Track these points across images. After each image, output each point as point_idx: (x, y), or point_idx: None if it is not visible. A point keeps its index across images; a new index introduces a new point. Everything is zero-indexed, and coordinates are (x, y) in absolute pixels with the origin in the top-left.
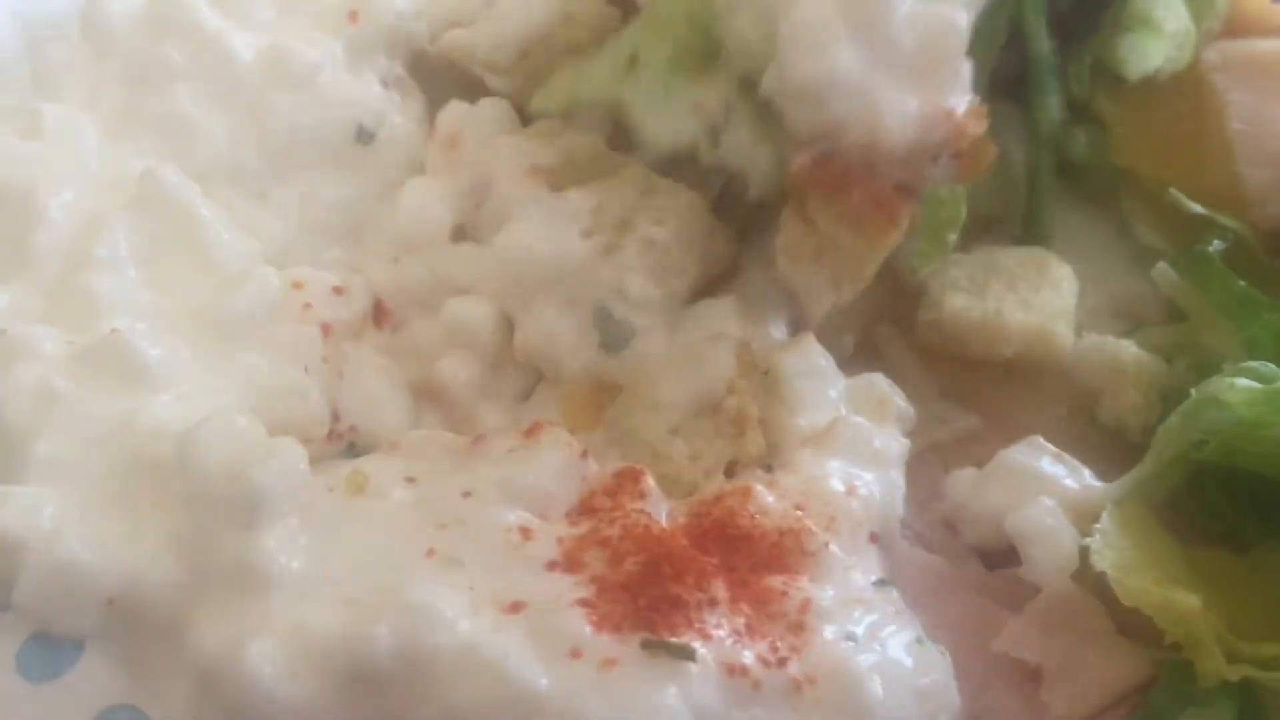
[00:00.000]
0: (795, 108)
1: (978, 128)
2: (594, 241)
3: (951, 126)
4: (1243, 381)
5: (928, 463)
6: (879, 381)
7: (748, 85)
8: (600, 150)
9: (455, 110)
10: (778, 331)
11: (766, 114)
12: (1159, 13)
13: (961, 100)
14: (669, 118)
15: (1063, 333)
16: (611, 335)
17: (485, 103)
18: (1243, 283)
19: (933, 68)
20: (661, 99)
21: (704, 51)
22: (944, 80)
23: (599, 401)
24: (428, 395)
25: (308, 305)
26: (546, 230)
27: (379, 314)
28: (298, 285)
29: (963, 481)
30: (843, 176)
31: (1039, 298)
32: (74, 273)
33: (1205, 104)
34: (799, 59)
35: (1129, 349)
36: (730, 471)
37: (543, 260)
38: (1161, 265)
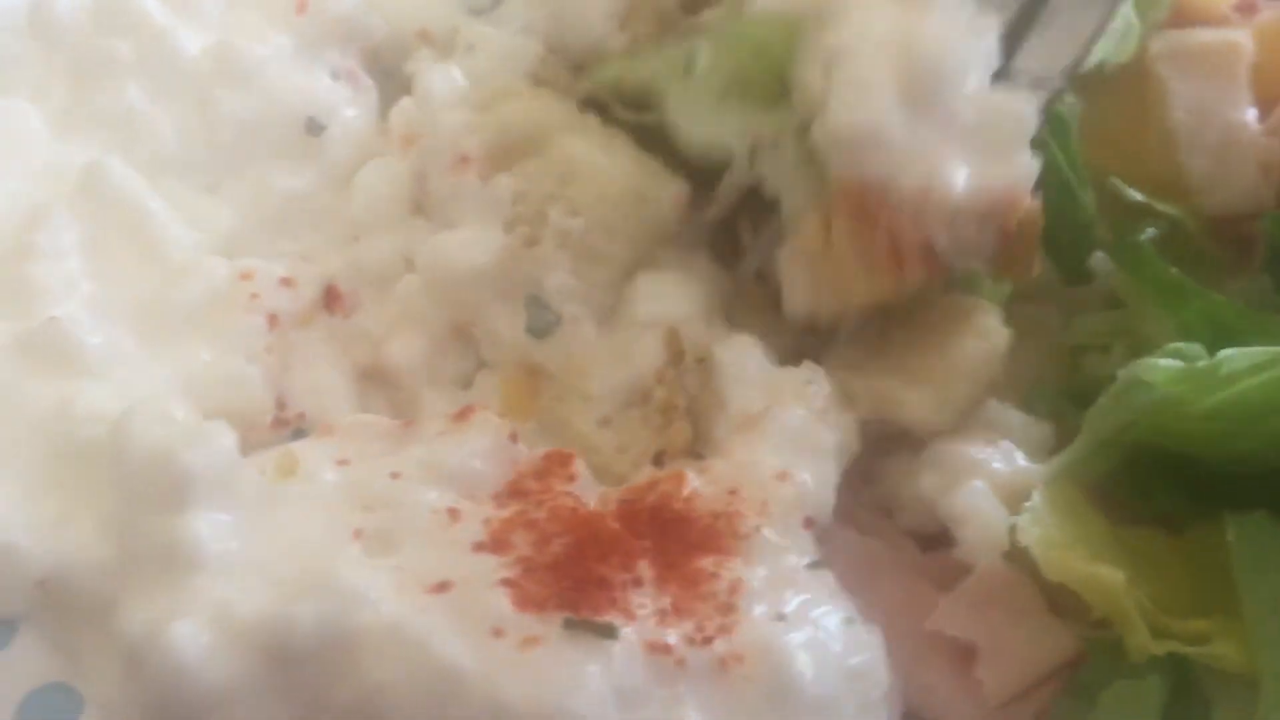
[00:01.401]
0: (835, 154)
1: (1031, 208)
2: (516, 234)
3: (1007, 197)
4: (1166, 361)
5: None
6: (814, 372)
7: (803, 130)
8: (534, 118)
9: (405, 108)
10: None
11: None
12: None
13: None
14: (713, 131)
15: None
16: (538, 322)
17: (430, 80)
18: (1174, 270)
19: (993, 145)
20: (710, 112)
21: (764, 85)
22: (1004, 157)
23: (536, 389)
24: (375, 379)
25: (254, 296)
26: (470, 230)
27: (331, 299)
28: (245, 276)
29: (897, 466)
30: (877, 210)
31: None
32: (15, 263)
33: (1149, 94)
34: (843, 107)
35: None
36: (659, 461)
37: (466, 264)
38: (1098, 254)
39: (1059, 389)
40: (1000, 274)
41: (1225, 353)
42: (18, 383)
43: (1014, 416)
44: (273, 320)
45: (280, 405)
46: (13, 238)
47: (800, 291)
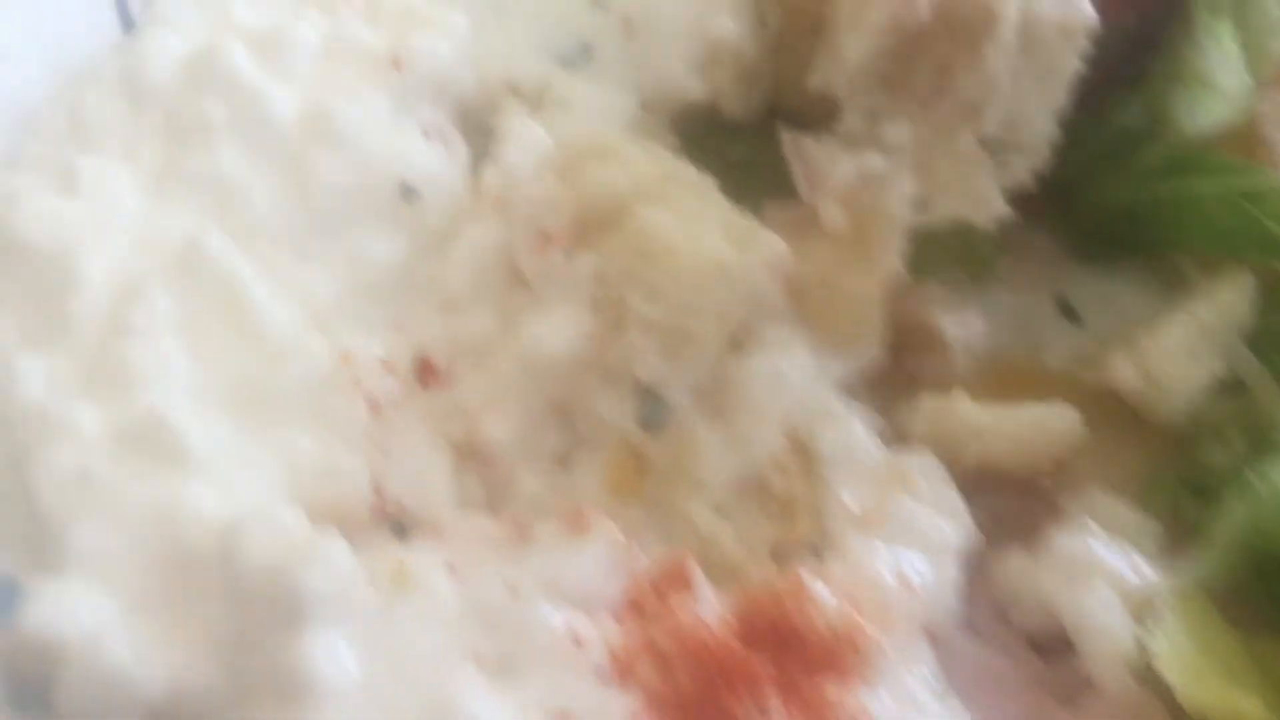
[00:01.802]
0: None
1: None
2: (601, 318)
3: None
4: None
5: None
6: (924, 457)
7: None
8: (614, 188)
9: (494, 171)
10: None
11: None
12: (1214, 65)
13: None
14: None
15: None
16: (650, 414)
17: (515, 143)
18: None
19: None
20: None
21: None
22: None
23: (641, 469)
24: (468, 455)
25: (356, 381)
26: (558, 312)
27: (426, 372)
28: (346, 359)
29: (1013, 566)
30: None
31: None
32: (111, 341)
33: (1259, 159)
34: None
35: None
36: (776, 552)
37: (555, 350)
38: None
39: (1176, 480)
40: None
41: None
42: (117, 479)
43: (1126, 514)
44: (374, 406)
45: (379, 494)
46: (108, 314)
47: None
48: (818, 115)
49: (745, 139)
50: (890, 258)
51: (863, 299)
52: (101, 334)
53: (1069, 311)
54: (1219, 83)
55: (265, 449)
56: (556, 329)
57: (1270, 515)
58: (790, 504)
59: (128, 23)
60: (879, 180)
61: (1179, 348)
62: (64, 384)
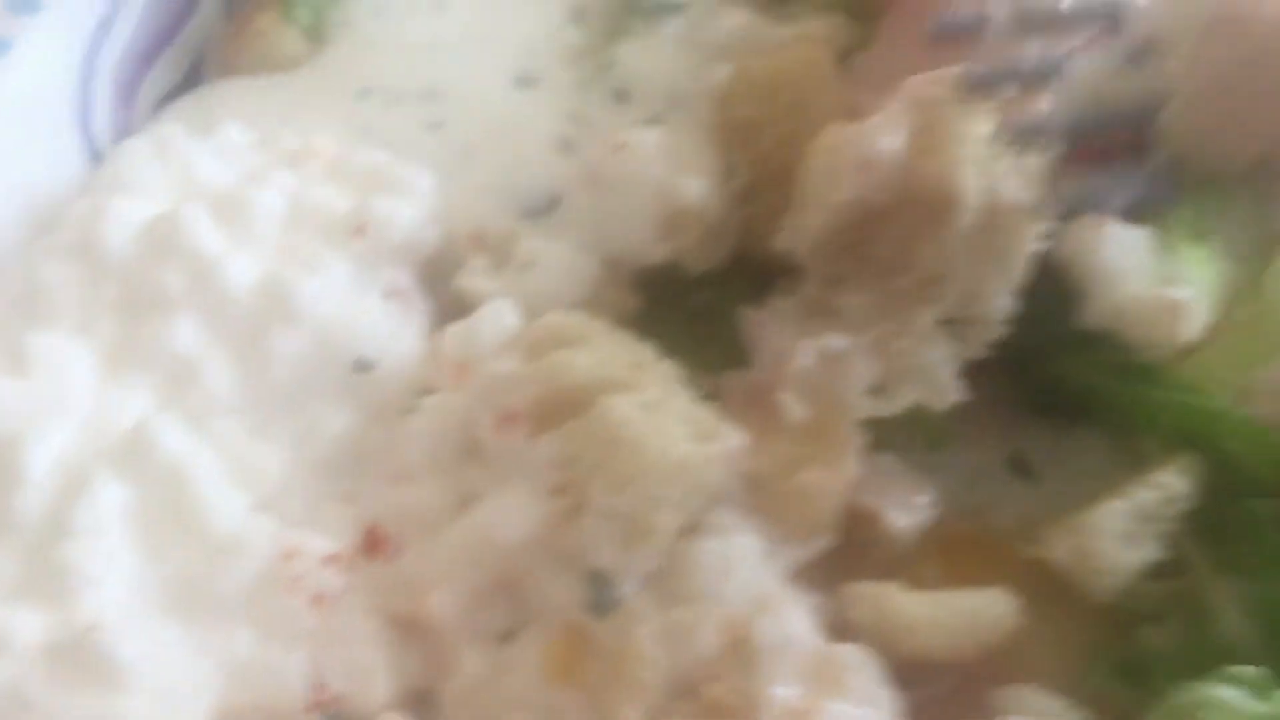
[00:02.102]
0: None
1: None
2: (561, 501)
3: None
4: (1228, 693)
5: None
6: (859, 656)
7: None
8: (581, 375)
9: (456, 336)
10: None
11: None
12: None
13: None
14: None
15: None
16: (600, 600)
17: (481, 317)
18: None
19: None
20: None
21: None
22: None
23: (583, 655)
24: (410, 632)
25: (298, 577)
26: (514, 495)
27: (373, 543)
28: (289, 555)
29: None
30: None
31: None
32: (54, 542)
33: None
34: None
35: None
36: None
37: (508, 534)
38: None
39: (1110, 665)
40: None
41: None
42: (52, 700)
43: (1053, 705)
44: (316, 602)
45: (317, 688)
46: (51, 511)
47: None
48: (781, 268)
49: (709, 287)
50: (850, 456)
51: (821, 495)
52: (44, 534)
53: (1023, 469)
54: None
55: (203, 651)
56: (512, 510)
57: None
58: (717, 708)
59: (95, 156)
60: (838, 363)
61: (1116, 530)
62: (3, 587)
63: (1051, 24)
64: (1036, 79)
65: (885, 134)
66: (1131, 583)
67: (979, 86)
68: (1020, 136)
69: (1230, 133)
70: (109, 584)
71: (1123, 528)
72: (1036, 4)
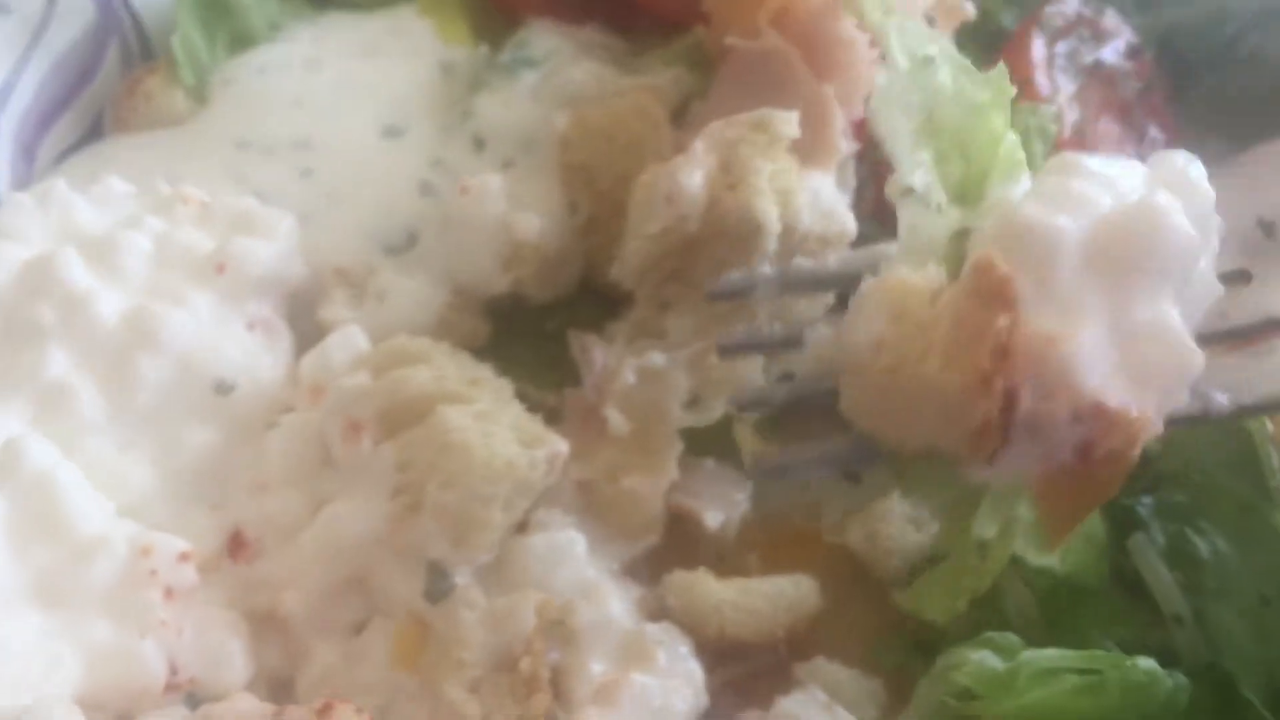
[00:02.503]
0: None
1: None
2: (399, 501)
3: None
4: (977, 655)
5: (722, 699)
6: (667, 632)
7: None
8: (421, 388)
9: (314, 361)
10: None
11: None
12: None
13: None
14: None
15: None
16: (435, 588)
17: (333, 342)
18: None
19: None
20: None
21: None
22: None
23: (425, 642)
24: (269, 625)
25: (153, 572)
26: (359, 498)
27: (235, 546)
28: (145, 551)
29: None
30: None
31: None
32: None
33: None
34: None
35: None
36: None
37: (354, 532)
38: None
39: (906, 639)
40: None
41: (1026, 655)
42: None
43: (849, 677)
44: (169, 594)
45: (173, 670)
46: None
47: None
48: (624, 294)
49: (558, 314)
50: (670, 463)
51: (644, 499)
52: None
53: (852, 474)
54: None
55: (62, 638)
56: (358, 511)
57: (952, 695)
58: (532, 681)
59: None
60: (658, 378)
61: (901, 515)
62: None
63: (812, 287)
64: (781, 345)
65: (689, 170)
66: (914, 564)
67: (732, 351)
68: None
69: (891, 428)
70: None
71: (906, 513)
72: (798, 270)
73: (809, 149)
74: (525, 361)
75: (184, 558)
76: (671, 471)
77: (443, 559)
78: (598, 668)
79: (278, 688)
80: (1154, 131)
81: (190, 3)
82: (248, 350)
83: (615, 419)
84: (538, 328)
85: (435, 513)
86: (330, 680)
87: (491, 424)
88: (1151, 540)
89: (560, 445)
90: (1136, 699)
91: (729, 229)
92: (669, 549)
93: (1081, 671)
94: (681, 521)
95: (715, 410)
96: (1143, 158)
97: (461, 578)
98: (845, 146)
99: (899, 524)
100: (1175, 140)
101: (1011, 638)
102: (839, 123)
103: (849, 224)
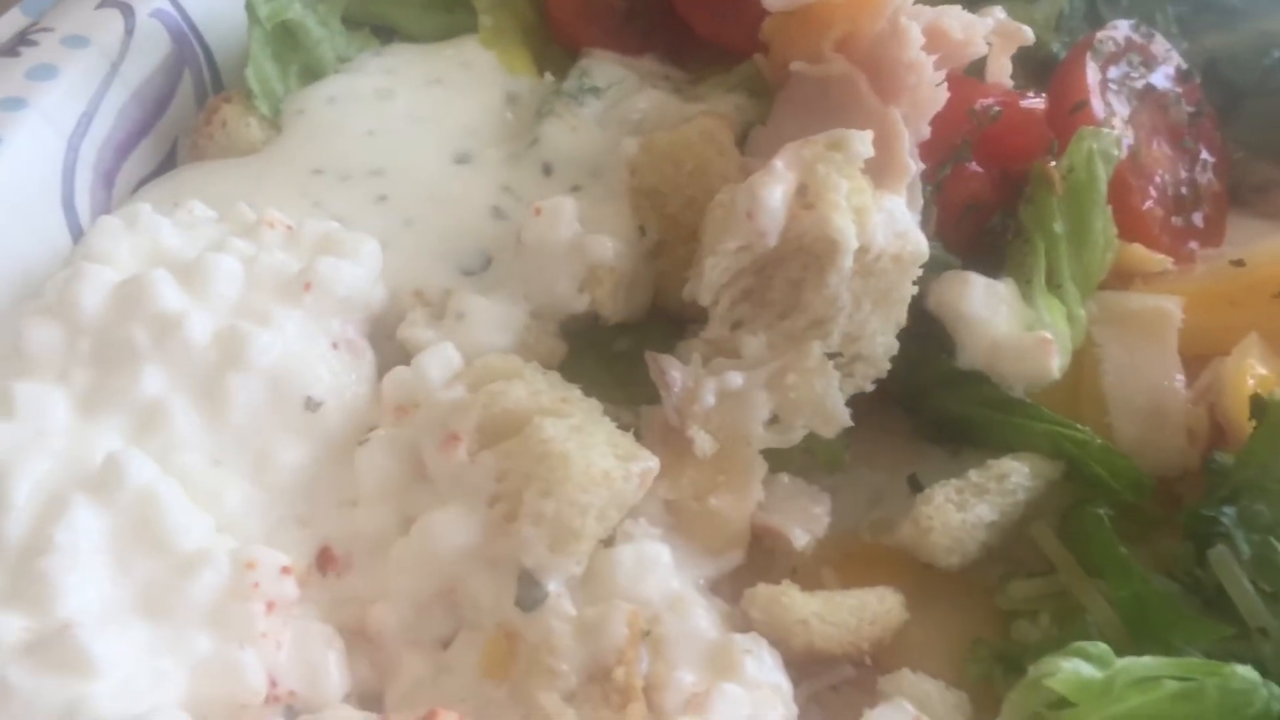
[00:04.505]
0: None
1: None
2: (496, 509)
3: None
4: (1069, 664)
5: (808, 713)
6: (755, 642)
7: None
8: (518, 401)
9: (395, 379)
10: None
11: None
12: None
13: None
14: None
15: None
16: (528, 597)
17: (428, 358)
18: (1123, 550)
19: None
20: None
21: None
22: None
23: (515, 652)
24: (358, 639)
25: (256, 585)
26: (457, 507)
27: (324, 560)
28: (250, 565)
29: None
30: None
31: None
32: (34, 556)
33: (1083, 354)
34: None
35: None
36: None
37: (451, 543)
38: (1038, 523)
39: (991, 653)
40: None
41: (1122, 663)
42: (27, 685)
43: (937, 691)
44: (270, 607)
45: (272, 683)
46: (33, 530)
47: None
48: (693, 315)
49: (629, 334)
50: (755, 483)
51: (731, 519)
52: (26, 549)
53: (918, 487)
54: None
55: (168, 651)
56: (453, 521)
57: (1045, 706)
58: (627, 691)
59: (78, 234)
60: (738, 399)
61: (941, 497)
62: None
63: None
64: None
65: (770, 186)
66: (968, 549)
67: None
68: None
69: None
70: (83, 591)
71: (947, 495)
72: None
73: (879, 170)
74: (597, 381)
75: (285, 571)
76: (757, 492)
77: (536, 568)
78: (688, 678)
79: (367, 701)
80: (1204, 155)
81: (262, 36)
82: (334, 369)
83: (702, 440)
84: (606, 348)
85: (532, 520)
86: (419, 692)
87: (586, 436)
88: (1234, 551)
89: (652, 461)
90: (1234, 706)
91: (806, 246)
92: (745, 564)
93: (1179, 679)
94: (757, 537)
95: (796, 431)
96: (1194, 181)
97: (554, 586)
98: (914, 166)
99: (939, 504)
100: (1224, 163)
101: (1103, 647)
102: (907, 143)
103: (922, 244)
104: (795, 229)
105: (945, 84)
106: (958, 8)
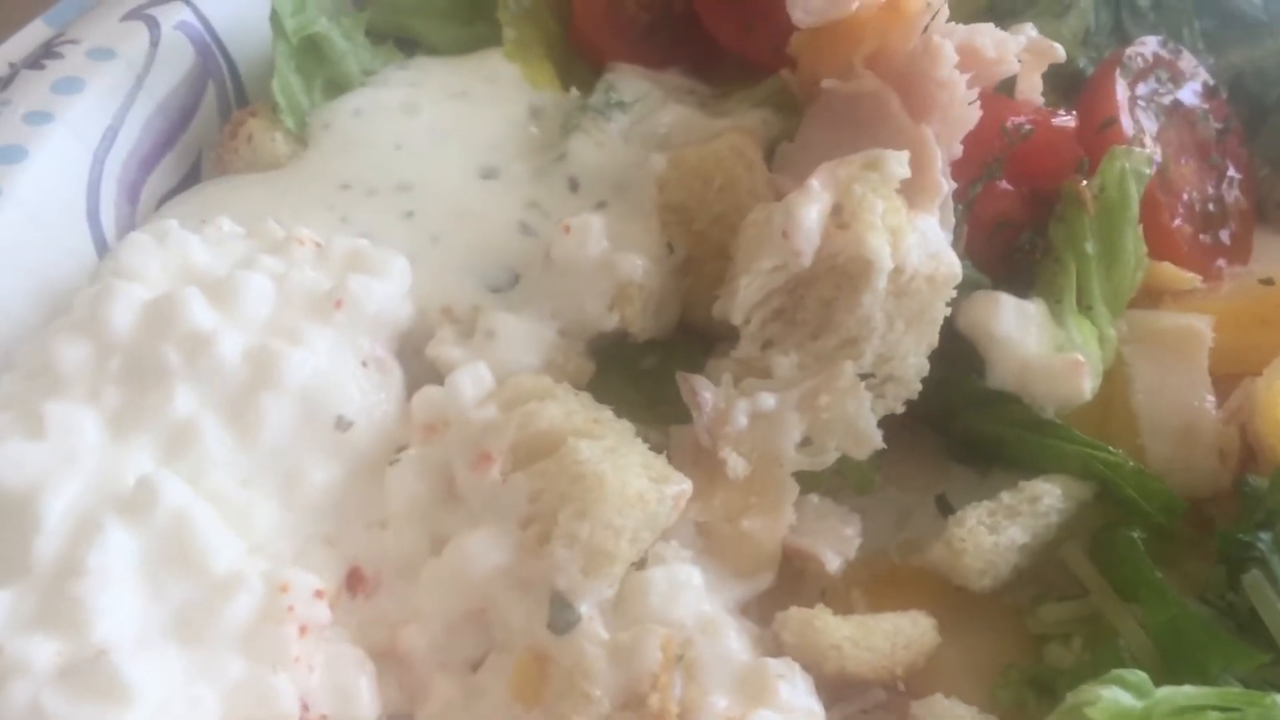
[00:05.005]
0: None
1: None
2: (530, 531)
3: None
4: (1107, 692)
5: None
6: (791, 668)
7: None
8: (551, 422)
9: (426, 398)
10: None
11: None
12: (1084, 337)
13: None
14: None
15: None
16: (560, 620)
17: (461, 377)
18: (1159, 574)
19: None
20: None
21: None
22: None
23: (546, 675)
24: (389, 659)
25: (290, 608)
26: (489, 528)
27: (354, 581)
28: (284, 588)
29: None
30: None
31: None
32: (67, 580)
33: (1115, 376)
34: None
35: None
36: None
37: (484, 564)
38: (1069, 545)
39: (1023, 677)
40: None
41: (1162, 693)
42: (62, 711)
43: (961, 710)
44: (303, 631)
45: (304, 707)
46: (65, 553)
47: None
48: (721, 332)
49: (656, 351)
50: (787, 505)
51: (763, 542)
52: (59, 572)
53: (947, 508)
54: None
55: (202, 676)
56: (486, 542)
57: None
58: (661, 717)
59: (103, 248)
60: (770, 421)
61: (973, 519)
62: (22, 617)
63: None
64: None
65: (806, 205)
66: (1000, 571)
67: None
68: None
69: None
70: (117, 615)
71: (979, 517)
72: None
73: (912, 189)
74: (625, 399)
75: (318, 594)
76: (789, 515)
77: (569, 590)
78: (721, 702)
79: None
80: (1231, 171)
81: (287, 49)
82: (363, 387)
83: (735, 463)
84: (634, 366)
85: (566, 542)
86: (450, 715)
87: (620, 458)
88: (1269, 576)
89: (686, 484)
90: None
91: (840, 266)
92: (775, 586)
93: (1219, 709)
94: (787, 559)
95: (829, 454)
96: (1222, 198)
97: (586, 609)
98: (946, 185)
99: (972, 529)
100: (1250, 179)
101: (1141, 675)
102: (939, 163)
103: (956, 265)
104: (830, 249)
105: (978, 102)
106: (990, 25)
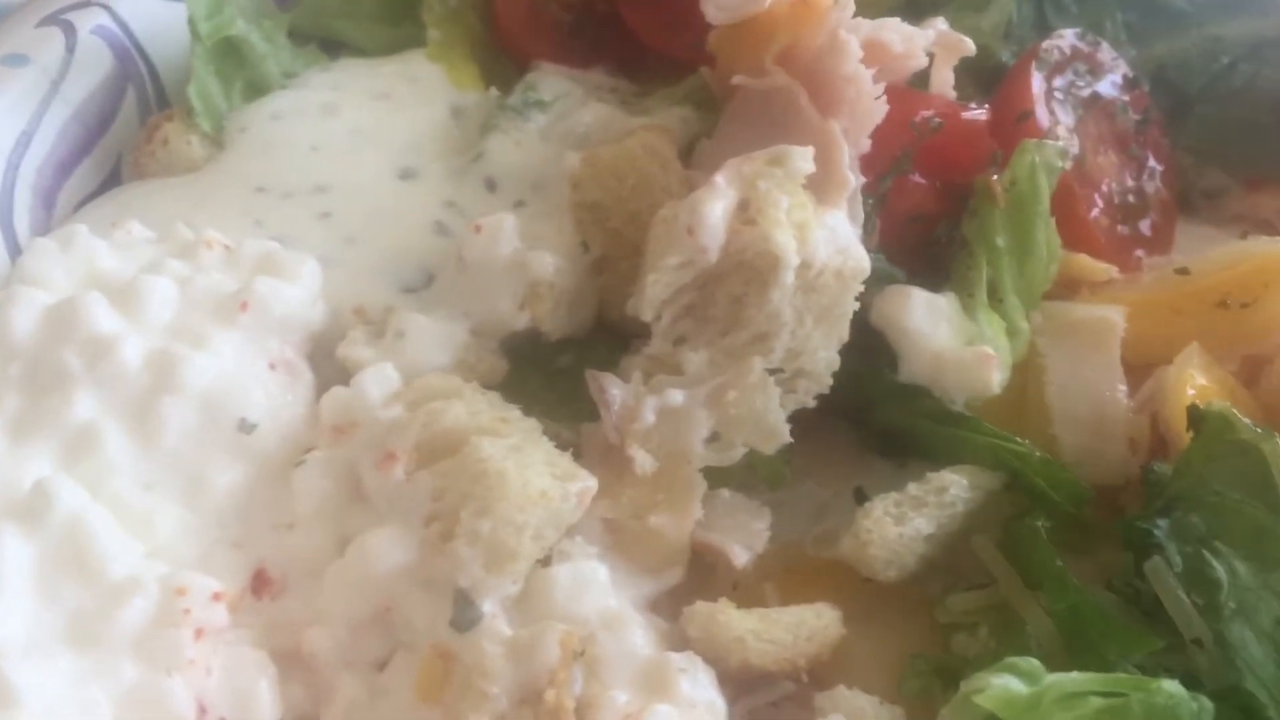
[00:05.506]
0: None
1: None
2: (433, 529)
3: None
4: (999, 680)
5: None
6: (694, 662)
7: None
8: (455, 420)
9: (333, 399)
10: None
11: None
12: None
13: None
14: None
15: None
16: (462, 618)
17: (367, 377)
18: (1061, 563)
19: None
20: None
21: None
22: None
23: (449, 673)
24: (293, 663)
25: (186, 611)
26: (394, 527)
27: (259, 584)
28: (180, 592)
29: None
30: None
31: None
32: None
33: (1028, 365)
34: None
35: None
36: None
37: (388, 563)
38: (979, 536)
39: (930, 667)
40: None
41: (1051, 679)
42: None
43: (863, 700)
44: (199, 633)
45: (202, 710)
46: None
47: None
48: (636, 330)
49: (572, 350)
50: (694, 501)
51: (671, 538)
52: None
53: (865, 500)
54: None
55: (95, 680)
56: (390, 541)
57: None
58: (557, 713)
59: (15, 254)
60: (678, 416)
61: (880, 510)
62: None
63: None
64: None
65: (711, 202)
66: (906, 561)
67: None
68: None
69: None
70: (7, 623)
71: (885, 508)
72: None
73: (820, 184)
74: (539, 398)
75: (217, 597)
76: (697, 510)
77: (471, 587)
78: (621, 698)
79: None
80: (1152, 162)
81: (205, 52)
82: (270, 390)
83: (642, 459)
84: (549, 364)
85: (468, 539)
86: (355, 715)
87: (524, 456)
88: (1168, 563)
89: (590, 481)
90: None
91: (748, 262)
92: (686, 581)
93: (1106, 694)
94: (697, 554)
95: (736, 449)
96: (1142, 189)
97: (489, 607)
98: (854, 180)
99: (877, 517)
100: (1172, 170)
101: (1033, 662)
102: (846, 157)
103: (864, 260)
104: (736, 245)
105: (885, 97)
106: (897, 20)
